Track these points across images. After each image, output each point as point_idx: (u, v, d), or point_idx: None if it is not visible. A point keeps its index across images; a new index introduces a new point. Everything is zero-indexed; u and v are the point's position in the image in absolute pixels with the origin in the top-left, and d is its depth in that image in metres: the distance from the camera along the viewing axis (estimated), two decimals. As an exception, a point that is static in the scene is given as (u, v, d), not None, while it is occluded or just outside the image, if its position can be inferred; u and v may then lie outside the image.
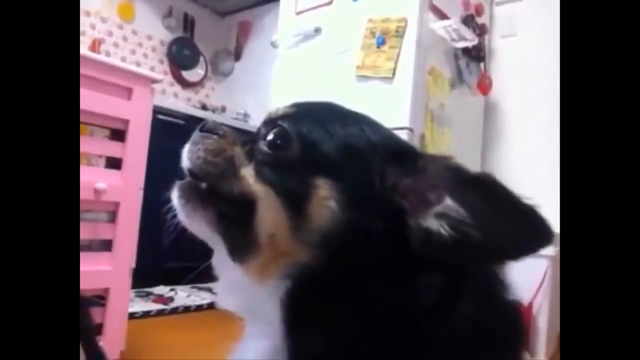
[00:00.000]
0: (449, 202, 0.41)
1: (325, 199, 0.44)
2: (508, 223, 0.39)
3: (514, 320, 0.46)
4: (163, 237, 0.54)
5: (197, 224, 0.51)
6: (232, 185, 0.49)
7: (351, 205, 0.44)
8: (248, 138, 0.53)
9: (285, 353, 0.43)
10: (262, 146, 0.49)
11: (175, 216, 0.52)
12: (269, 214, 0.46)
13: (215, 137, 0.53)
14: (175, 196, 0.52)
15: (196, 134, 0.54)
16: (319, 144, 0.47)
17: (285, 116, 0.51)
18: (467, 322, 0.41)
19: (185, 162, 0.52)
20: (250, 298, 0.48)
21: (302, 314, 0.43)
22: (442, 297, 0.41)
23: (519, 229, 0.40)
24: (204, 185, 0.51)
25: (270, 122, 0.51)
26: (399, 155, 0.47)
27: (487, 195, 0.40)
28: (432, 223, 0.41)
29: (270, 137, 0.49)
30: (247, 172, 0.49)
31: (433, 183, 0.43)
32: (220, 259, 0.50)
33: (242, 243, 0.47)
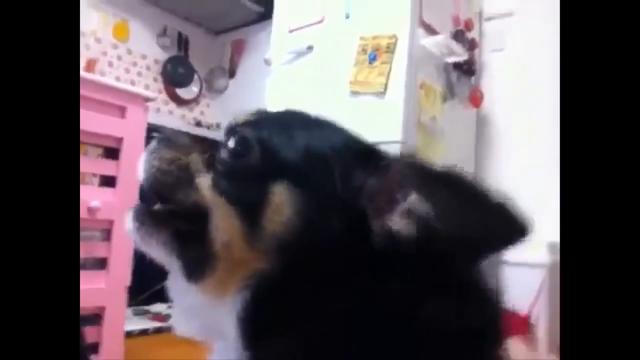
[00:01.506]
0: (414, 198, 0.40)
1: (280, 206, 0.43)
2: (475, 215, 0.38)
3: (492, 316, 0.44)
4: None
5: (152, 246, 0.49)
6: (185, 195, 0.47)
7: (309, 210, 0.43)
8: (209, 147, 0.51)
9: None
10: (223, 154, 0.48)
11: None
12: (222, 223, 0.45)
13: (172, 146, 0.51)
14: (129, 220, 0.50)
15: (153, 143, 0.52)
16: (280, 149, 0.46)
17: (246, 123, 0.50)
18: (441, 320, 0.40)
19: (140, 172, 0.51)
20: (208, 318, 0.46)
21: (261, 325, 0.42)
22: (413, 295, 0.40)
23: (488, 221, 0.39)
24: (157, 207, 0.50)
25: (232, 130, 0.49)
26: (362, 156, 0.46)
27: (452, 189, 0.39)
28: (397, 222, 0.40)
29: (230, 144, 0.48)
30: (203, 182, 0.48)
31: (398, 181, 0.42)
32: (175, 283, 0.49)
33: (198, 260, 0.45)
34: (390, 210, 0.41)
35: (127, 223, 0.51)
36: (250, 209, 0.44)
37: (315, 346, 0.40)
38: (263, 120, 0.50)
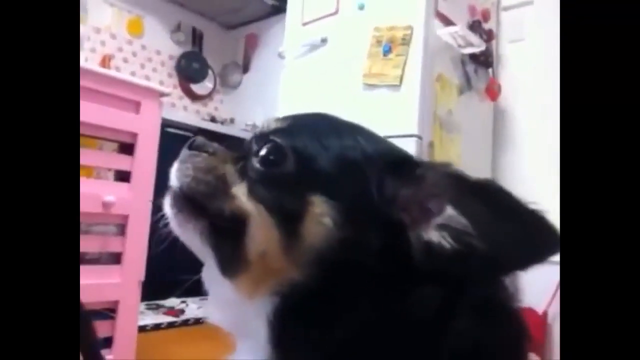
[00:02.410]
0: (450, 211, 0.40)
1: (320, 216, 0.42)
2: (513, 231, 0.38)
3: (515, 335, 0.44)
4: (173, 250, 0.53)
5: (188, 234, 0.49)
6: (223, 204, 0.47)
7: (347, 221, 0.42)
8: (239, 155, 0.51)
9: None
10: (255, 163, 0.47)
11: (166, 225, 0.50)
12: (261, 232, 0.44)
13: (204, 154, 0.51)
14: (167, 204, 0.50)
15: (184, 152, 0.52)
16: (314, 158, 0.45)
17: (278, 130, 0.49)
18: (465, 338, 0.39)
19: (174, 181, 0.50)
20: (238, 314, 0.46)
21: (289, 332, 0.42)
22: (440, 312, 0.39)
23: (525, 237, 0.38)
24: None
25: (263, 137, 0.49)
26: (396, 165, 0.45)
27: (489, 202, 0.39)
28: (434, 235, 0.39)
29: (263, 152, 0.47)
30: (239, 191, 0.47)
31: (433, 192, 0.41)
32: (210, 273, 0.49)
33: (232, 258, 0.46)
34: (425, 222, 0.41)
35: (164, 206, 0.51)
36: (289, 219, 0.43)
37: (343, 354, 0.40)
38: (294, 127, 0.49)
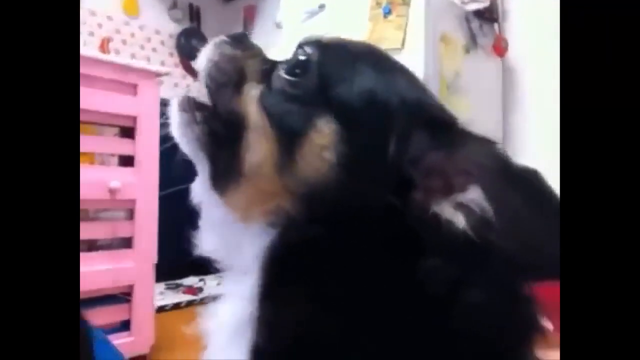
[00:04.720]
0: (477, 195, 0.33)
1: (319, 144, 0.39)
2: (549, 238, 0.31)
3: (527, 315, 0.38)
4: (186, 229, 0.52)
5: (188, 137, 0.47)
6: (229, 99, 0.45)
7: (350, 164, 0.38)
8: (275, 61, 0.49)
9: (257, 322, 0.38)
10: (280, 70, 0.45)
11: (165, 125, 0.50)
12: (257, 140, 0.42)
13: (238, 45, 0.50)
14: (174, 107, 0.49)
15: (220, 38, 0.51)
16: (339, 81, 0.41)
17: (316, 43, 0.45)
18: (475, 315, 0.35)
19: (200, 61, 0.49)
20: (232, 238, 0.44)
21: (282, 275, 0.38)
22: (448, 287, 0.35)
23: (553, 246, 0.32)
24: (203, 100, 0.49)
25: (300, 46, 0.46)
26: (435, 122, 0.40)
27: (529, 198, 0.33)
28: (447, 211, 0.34)
29: (290, 59, 0.45)
30: (251, 90, 0.45)
31: (465, 167, 0.35)
32: (203, 190, 0.47)
33: (226, 168, 0.43)
34: (442, 194, 0.35)
35: (171, 110, 0.50)
36: (288, 136, 0.41)
37: (329, 320, 0.37)
38: (334, 45, 0.46)
